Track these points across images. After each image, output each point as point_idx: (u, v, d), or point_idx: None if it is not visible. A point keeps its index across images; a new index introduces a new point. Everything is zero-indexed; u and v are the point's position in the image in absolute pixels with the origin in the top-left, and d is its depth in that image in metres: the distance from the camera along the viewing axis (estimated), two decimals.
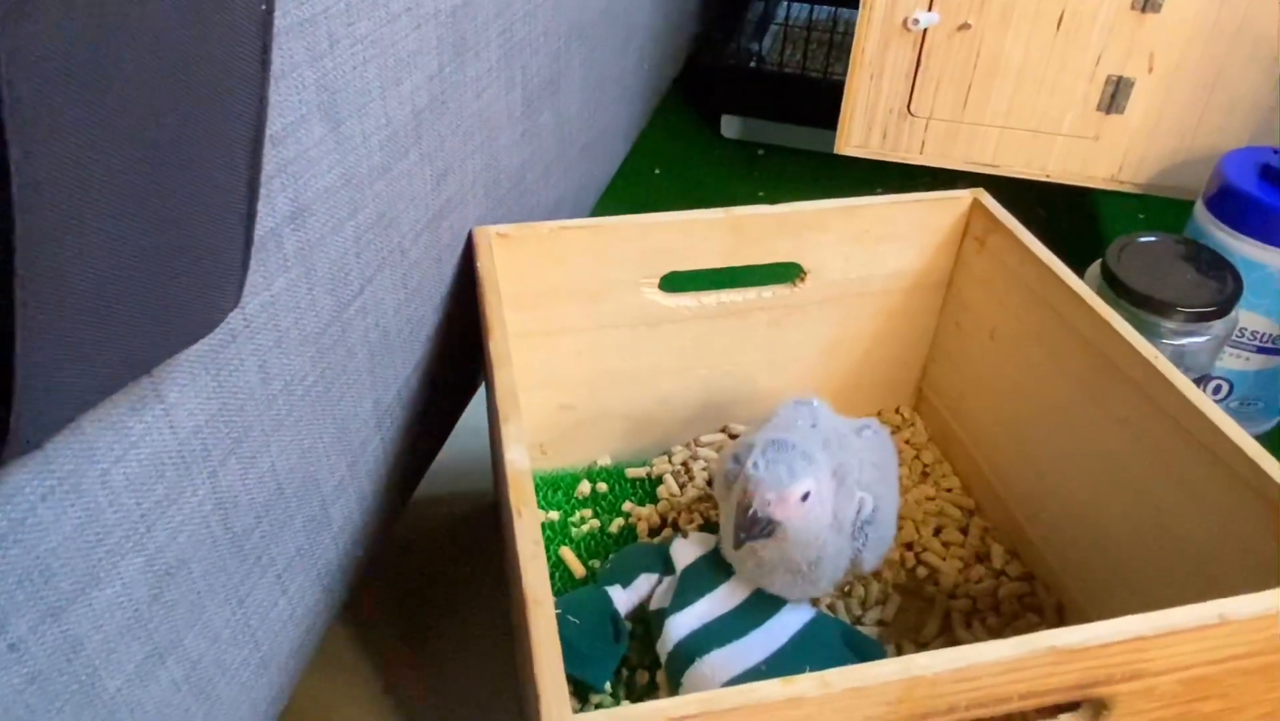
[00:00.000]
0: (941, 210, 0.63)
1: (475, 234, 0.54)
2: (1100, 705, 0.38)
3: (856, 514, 0.51)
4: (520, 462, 0.41)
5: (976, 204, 0.62)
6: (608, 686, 0.54)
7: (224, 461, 0.35)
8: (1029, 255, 0.57)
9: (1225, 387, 0.78)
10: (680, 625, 0.52)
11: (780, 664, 0.50)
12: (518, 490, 0.39)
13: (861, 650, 0.54)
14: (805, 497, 0.47)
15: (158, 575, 0.33)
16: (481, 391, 0.65)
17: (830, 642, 0.52)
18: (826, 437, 0.52)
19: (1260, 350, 0.75)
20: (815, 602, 0.59)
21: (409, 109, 0.43)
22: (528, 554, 0.37)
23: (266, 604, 0.40)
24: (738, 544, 0.49)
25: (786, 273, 0.64)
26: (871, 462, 0.53)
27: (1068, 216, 1.10)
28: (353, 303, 0.43)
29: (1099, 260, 0.71)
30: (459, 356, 0.57)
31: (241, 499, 0.37)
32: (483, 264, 0.53)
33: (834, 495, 0.50)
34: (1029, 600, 0.60)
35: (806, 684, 0.32)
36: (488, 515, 0.70)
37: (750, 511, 0.48)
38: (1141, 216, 1.14)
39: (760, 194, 1.14)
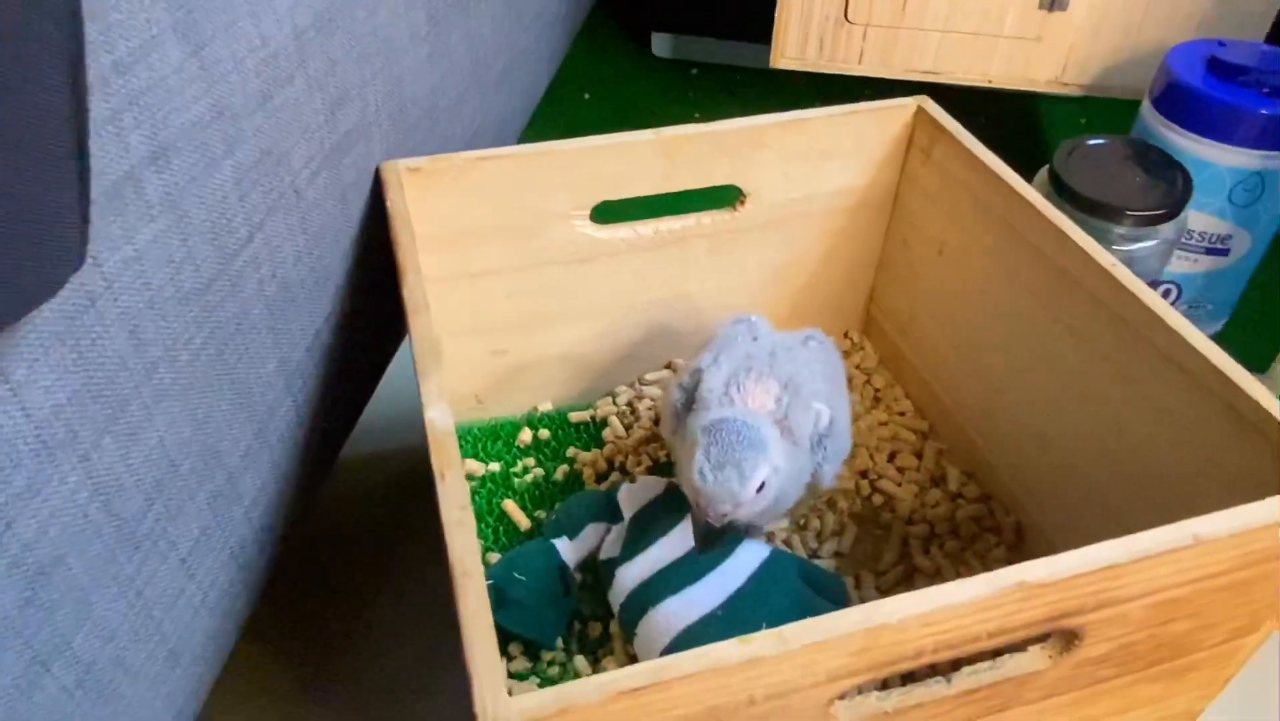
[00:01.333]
0: (884, 120, 0.60)
1: (383, 169, 0.51)
2: (1070, 635, 0.36)
3: (814, 426, 0.49)
4: (441, 421, 0.37)
5: (920, 112, 0.60)
6: (559, 643, 0.52)
7: (97, 442, 0.31)
8: (976, 163, 0.55)
9: (1174, 292, 0.76)
10: (631, 574, 0.50)
11: (737, 607, 0.49)
12: (440, 452, 0.37)
13: (820, 584, 0.52)
14: (761, 488, 0.44)
15: (27, 576, 0.29)
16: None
17: (788, 579, 0.51)
18: (773, 349, 0.50)
19: (1209, 251, 0.74)
20: (770, 538, 0.58)
21: (288, 28, 0.38)
22: (453, 520, 0.34)
23: (171, 592, 0.37)
24: (699, 550, 0.47)
25: (725, 196, 0.62)
26: (822, 374, 0.51)
27: (1010, 125, 1.08)
28: (241, 252, 0.38)
29: (1045, 166, 0.68)
30: (377, 306, 0.54)
31: (126, 481, 0.33)
32: (393, 202, 0.49)
33: (785, 407, 0.48)
34: (987, 521, 0.59)
35: (763, 642, 0.30)
36: (424, 474, 0.67)
37: (704, 526, 0.45)
38: (1083, 121, 1.12)
39: (696, 115, 1.09)
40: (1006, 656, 0.36)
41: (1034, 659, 0.37)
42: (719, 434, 0.44)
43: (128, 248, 0.32)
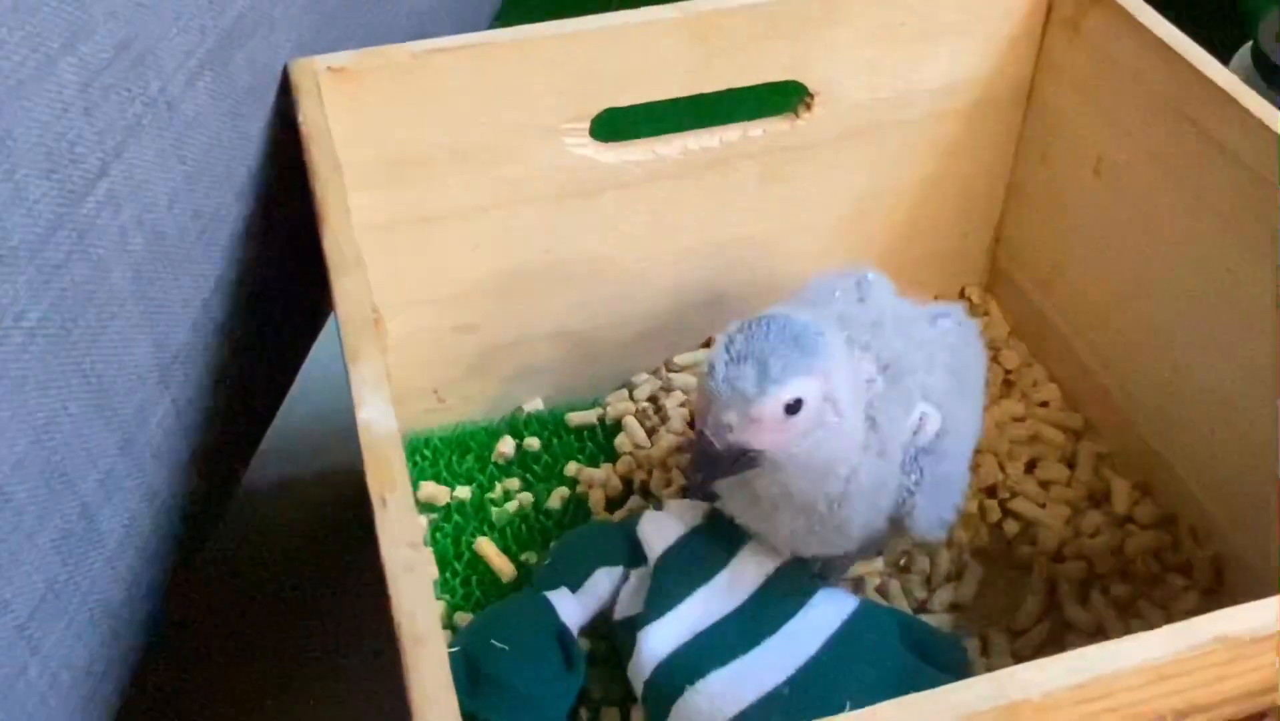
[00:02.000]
0: None
1: (293, 69, 0.51)
2: None
3: (914, 435, 0.49)
4: (380, 424, 0.38)
5: None
6: None
7: None
8: (1151, 40, 0.55)
9: None
10: (660, 638, 0.51)
11: (811, 684, 0.49)
12: (379, 468, 0.37)
13: (930, 650, 0.52)
14: (794, 408, 0.44)
15: None
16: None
17: (883, 644, 0.51)
18: (878, 318, 0.51)
19: None
20: (859, 587, 0.57)
21: None
22: (399, 564, 0.34)
23: (8, 671, 0.38)
24: (690, 492, 0.46)
25: (783, 99, 0.62)
26: (946, 367, 0.51)
27: None
28: (91, 191, 0.39)
29: (1247, 45, 0.68)
30: (290, 266, 0.54)
31: None
32: (308, 115, 0.50)
33: (875, 396, 0.48)
34: (1171, 556, 0.59)
35: None
36: (362, 499, 0.68)
37: (701, 441, 0.45)
38: None
39: None
40: None
41: None
42: (753, 325, 0.45)
43: None
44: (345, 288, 0.43)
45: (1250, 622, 0.33)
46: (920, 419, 0.49)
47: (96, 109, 0.38)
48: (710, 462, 0.45)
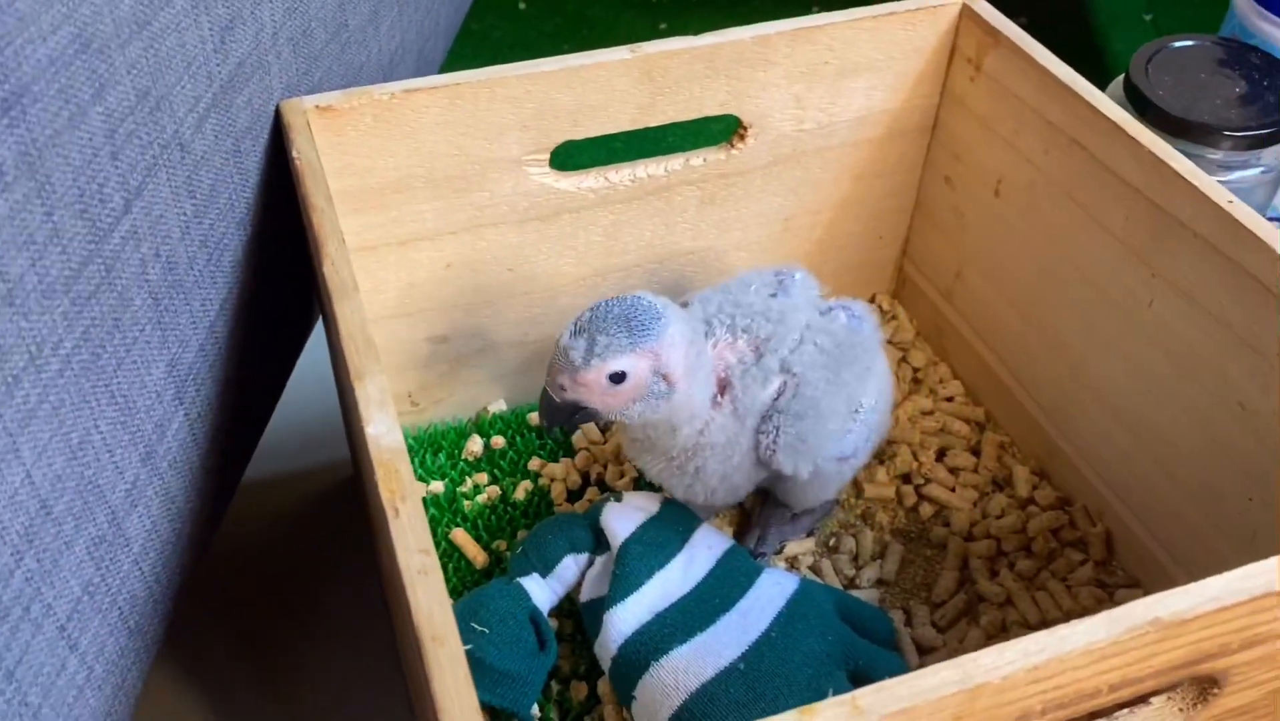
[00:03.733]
0: (919, 25, 0.61)
1: (284, 109, 0.50)
2: (1209, 682, 0.37)
3: (774, 400, 0.52)
4: (388, 439, 0.37)
5: (967, 12, 0.60)
6: (535, 711, 0.53)
7: None
8: (1045, 76, 0.56)
9: None
10: (625, 618, 0.51)
11: (764, 657, 0.49)
12: (391, 479, 0.36)
13: (863, 622, 0.54)
14: (619, 378, 0.47)
15: None
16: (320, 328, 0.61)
17: (823, 618, 0.52)
18: (766, 308, 0.54)
19: None
20: (794, 564, 0.58)
21: None
22: (414, 570, 0.34)
23: (50, 669, 0.37)
24: (545, 431, 0.52)
25: (720, 131, 0.62)
26: (818, 346, 0.53)
27: (1058, 26, 1.09)
28: (117, 227, 0.38)
29: (1119, 78, 0.70)
30: (281, 286, 0.54)
31: None
32: (300, 150, 0.49)
33: (733, 368, 0.52)
34: (1067, 533, 0.60)
35: (832, 713, 0.30)
36: (348, 490, 0.68)
37: (544, 396, 0.50)
38: (1148, 18, 1.14)
39: (663, 26, 1.09)
40: (1126, 712, 0.37)
41: (1161, 713, 0.37)
42: (603, 304, 0.48)
43: None
44: (345, 311, 0.42)
45: (1178, 605, 0.33)
46: (781, 386, 0.52)
47: (121, 152, 0.38)
48: (550, 411, 0.50)
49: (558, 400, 0.49)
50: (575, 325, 0.48)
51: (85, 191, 0.36)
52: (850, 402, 0.54)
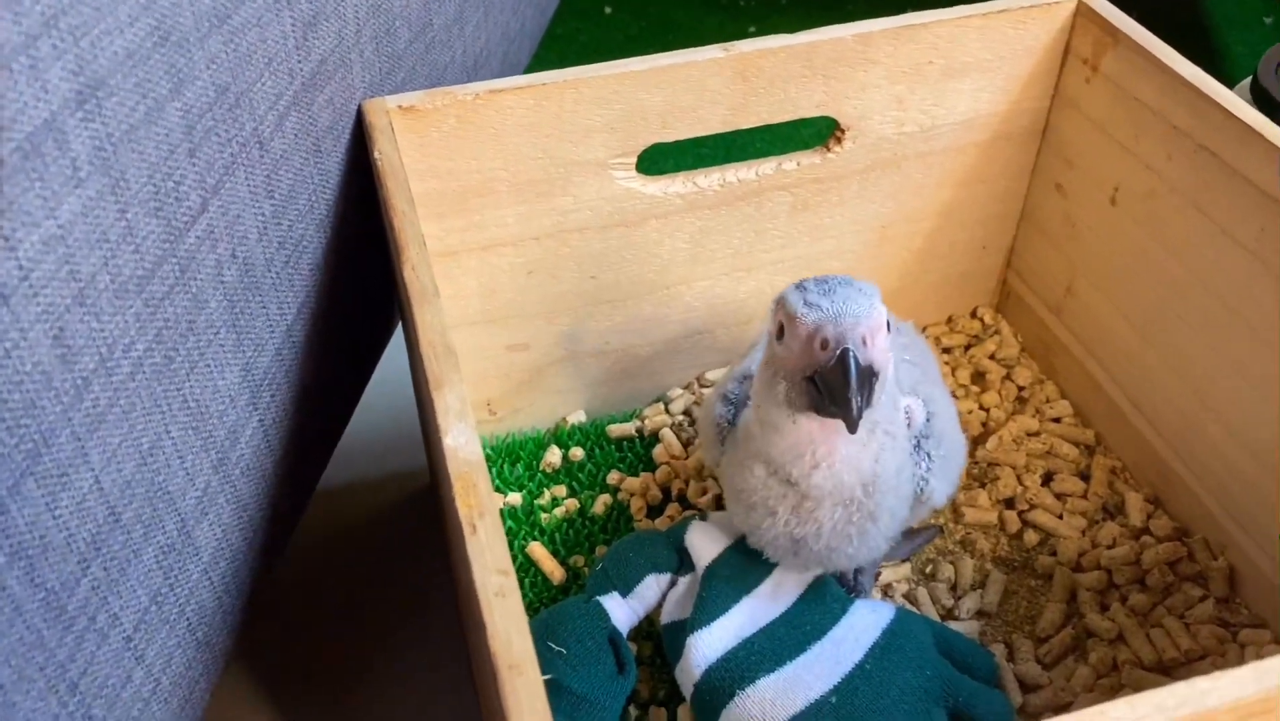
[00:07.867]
0: (1031, 23, 0.59)
1: (366, 109, 0.50)
2: None
3: (909, 427, 0.49)
4: (467, 451, 0.37)
5: (1083, 9, 0.59)
6: None
7: (16, 488, 0.31)
8: (1170, 78, 0.54)
9: None
10: (709, 643, 0.50)
11: (857, 691, 0.48)
12: (468, 493, 0.35)
13: (962, 657, 0.52)
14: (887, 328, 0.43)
15: None
16: (399, 334, 0.62)
17: (920, 651, 0.50)
18: None
19: None
20: (888, 593, 0.57)
21: None
22: (491, 590, 0.33)
23: (115, 681, 0.37)
24: (856, 417, 0.41)
25: (811, 135, 0.62)
26: (907, 360, 0.51)
27: (1170, 29, 1.06)
28: (193, 226, 0.38)
29: (1246, 80, 0.67)
30: (361, 290, 0.54)
31: (53, 538, 0.33)
32: (382, 151, 0.49)
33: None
34: (1186, 566, 0.58)
35: None
36: (425, 501, 0.68)
37: (844, 358, 0.40)
38: (1269, 20, 1.11)
39: (751, 29, 1.08)
40: None
41: None
42: (816, 279, 0.43)
43: (49, 223, 0.31)
44: (425, 318, 0.42)
45: None
46: (908, 410, 0.49)
47: (199, 150, 0.37)
48: (862, 377, 0.41)
49: (863, 359, 0.41)
50: (816, 290, 0.42)
51: (161, 189, 0.36)
52: (955, 415, 0.52)
